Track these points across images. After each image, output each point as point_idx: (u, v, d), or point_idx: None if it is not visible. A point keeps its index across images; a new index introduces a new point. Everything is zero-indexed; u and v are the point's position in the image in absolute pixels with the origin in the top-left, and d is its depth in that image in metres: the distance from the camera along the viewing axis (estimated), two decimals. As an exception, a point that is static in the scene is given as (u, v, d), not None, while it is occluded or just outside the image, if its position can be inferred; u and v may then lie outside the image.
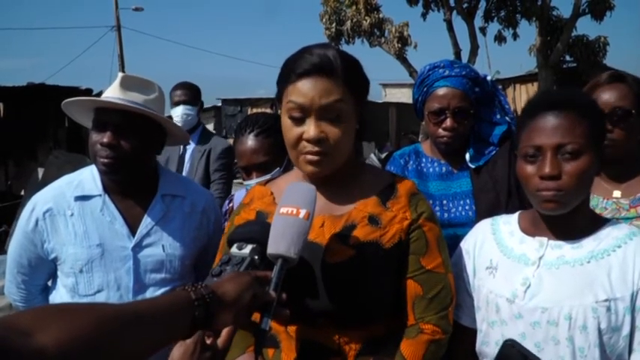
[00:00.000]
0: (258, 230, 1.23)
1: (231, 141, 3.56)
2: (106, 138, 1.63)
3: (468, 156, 2.04)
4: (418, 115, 2.12)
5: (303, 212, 1.19)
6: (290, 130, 1.30)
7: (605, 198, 1.80)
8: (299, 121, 1.29)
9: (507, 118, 2.08)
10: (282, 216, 1.20)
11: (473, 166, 2.04)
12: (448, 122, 1.97)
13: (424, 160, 2.13)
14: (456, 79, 1.97)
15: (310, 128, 1.27)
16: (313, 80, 1.26)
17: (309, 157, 1.29)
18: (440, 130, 1.99)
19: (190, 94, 3.62)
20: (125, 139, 1.65)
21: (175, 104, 3.60)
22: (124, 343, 0.83)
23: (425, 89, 2.02)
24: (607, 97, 1.78)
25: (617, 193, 1.80)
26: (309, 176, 1.38)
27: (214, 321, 1.01)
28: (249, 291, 1.07)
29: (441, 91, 1.97)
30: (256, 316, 1.13)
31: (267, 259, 1.20)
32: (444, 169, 2.09)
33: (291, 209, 1.20)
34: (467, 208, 2.01)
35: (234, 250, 1.20)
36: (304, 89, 1.27)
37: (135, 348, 0.86)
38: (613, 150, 1.75)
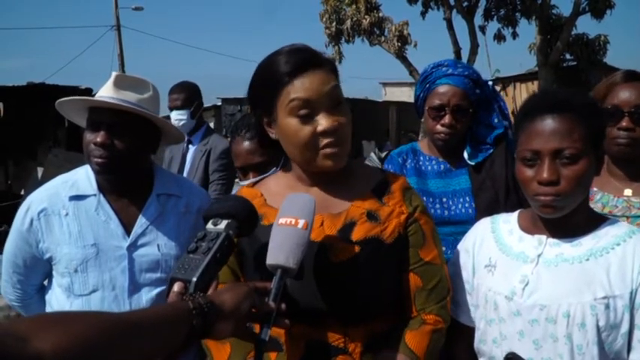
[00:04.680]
0: (233, 205, 1.23)
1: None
2: (99, 138, 1.63)
3: (466, 154, 2.07)
4: (418, 112, 2.16)
5: (301, 222, 1.19)
6: (300, 131, 1.27)
7: (616, 196, 1.79)
8: (307, 118, 1.27)
9: (505, 123, 2.11)
10: (281, 227, 1.20)
11: (472, 163, 2.06)
12: (447, 119, 2.00)
13: (422, 158, 2.16)
14: (458, 78, 2.01)
15: (324, 120, 1.26)
16: (310, 74, 1.26)
17: (329, 150, 1.27)
18: (438, 127, 2.03)
19: (182, 97, 3.57)
20: (119, 139, 1.64)
21: (170, 109, 3.59)
22: (121, 351, 0.84)
23: (427, 86, 2.06)
24: (627, 95, 1.75)
25: (628, 192, 1.79)
26: (323, 171, 1.33)
27: (212, 331, 1.02)
28: (247, 301, 1.08)
29: (443, 89, 2.01)
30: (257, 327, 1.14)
31: (242, 231, 1.22)
32: (442, 166, 2.12)
33: (289, 220, 1.20)
34: (467, 205, 2.04)
35: (209, 226, 1.20)
36: (306, 84, 1.26)
37: (131, 356, 0.86)
38: (633, 149, 1.74)
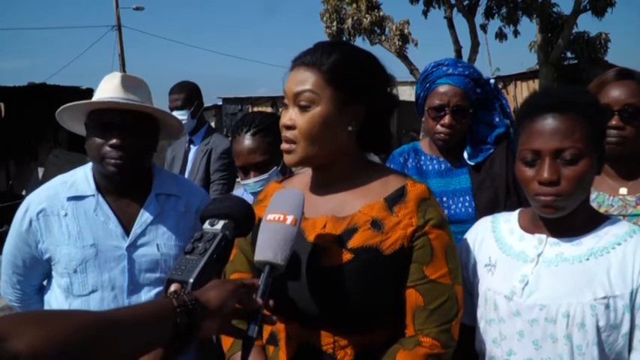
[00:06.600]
0: (229, 205, 1.23)
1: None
2: (114, 139, 1.63)
3: (465, 154, 2.08)
4: (419, 111, 2.17)
5: (290, 218, 1.19)
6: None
7: (612, 195, 1.78)
8: (286, 109, 1.34)
9: (507, 121, 2.11)
10: (269, 223, 1.20)
11: (472, 164, 2.07)
12: (446, 119, 2.01)
13: (423, 157, 2.17)
14: (458, 77, 2.01)
15: (285, 114, 1.32)
16: (295, 71, 1.32)
17: (284, 145, 1.32)
18: (438, 127, 2.03)
19: (182, 97, 3.57)
20: (131, 139, 1.65)
21: (170, 110, 3.58)
22: (101, 350, 0.83)
23: (427, 85, 2.07)
24: (617, 94, 1.75)
25: (623, 190, 1.78)
26: (297, 166, 1.39)
27: (198, 328, 1.01)
28: (233, 298, 1.07)
29: (443, 89, 2.02)
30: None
31: (239, 231, 1.22)
32: (442, 166, 2.13)
33: (277, 216, 1.20)
34: (466, 204, 2.05)
35: (206, 226, 1.20)
36: (289, 77, 1.33)
37: (112, 355, 0.85)
38: (623, 147, 1.73)
